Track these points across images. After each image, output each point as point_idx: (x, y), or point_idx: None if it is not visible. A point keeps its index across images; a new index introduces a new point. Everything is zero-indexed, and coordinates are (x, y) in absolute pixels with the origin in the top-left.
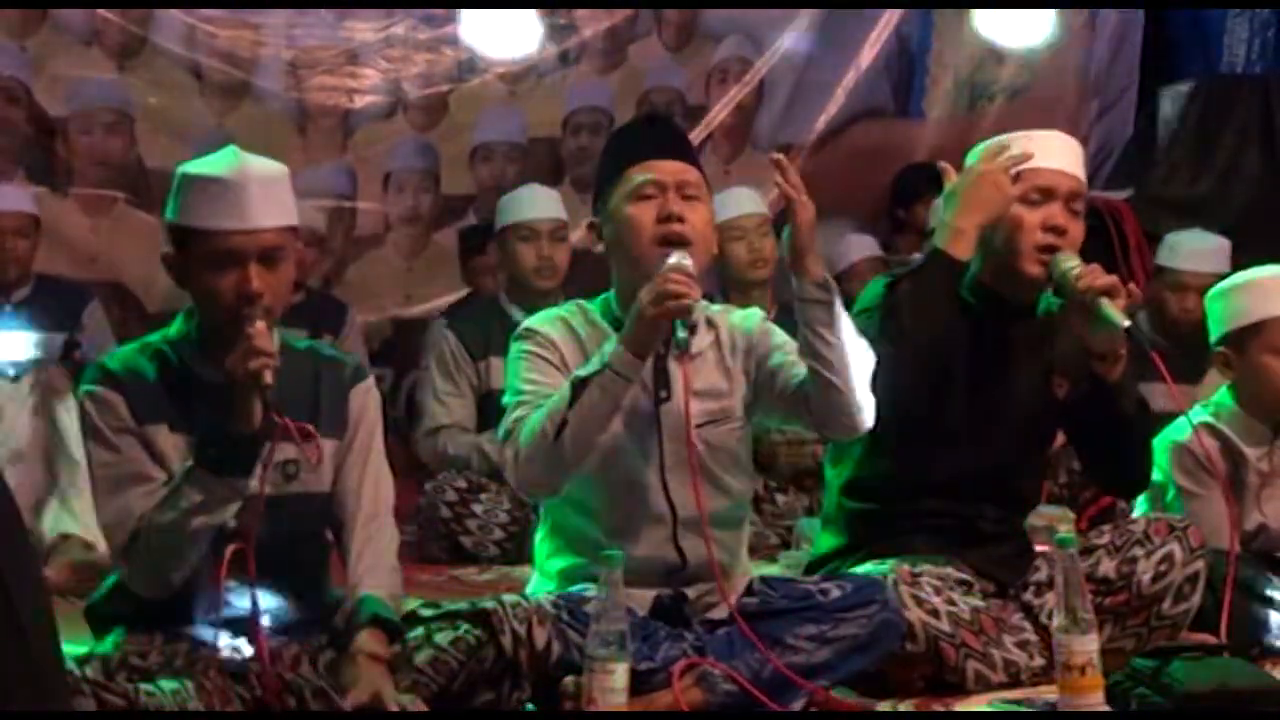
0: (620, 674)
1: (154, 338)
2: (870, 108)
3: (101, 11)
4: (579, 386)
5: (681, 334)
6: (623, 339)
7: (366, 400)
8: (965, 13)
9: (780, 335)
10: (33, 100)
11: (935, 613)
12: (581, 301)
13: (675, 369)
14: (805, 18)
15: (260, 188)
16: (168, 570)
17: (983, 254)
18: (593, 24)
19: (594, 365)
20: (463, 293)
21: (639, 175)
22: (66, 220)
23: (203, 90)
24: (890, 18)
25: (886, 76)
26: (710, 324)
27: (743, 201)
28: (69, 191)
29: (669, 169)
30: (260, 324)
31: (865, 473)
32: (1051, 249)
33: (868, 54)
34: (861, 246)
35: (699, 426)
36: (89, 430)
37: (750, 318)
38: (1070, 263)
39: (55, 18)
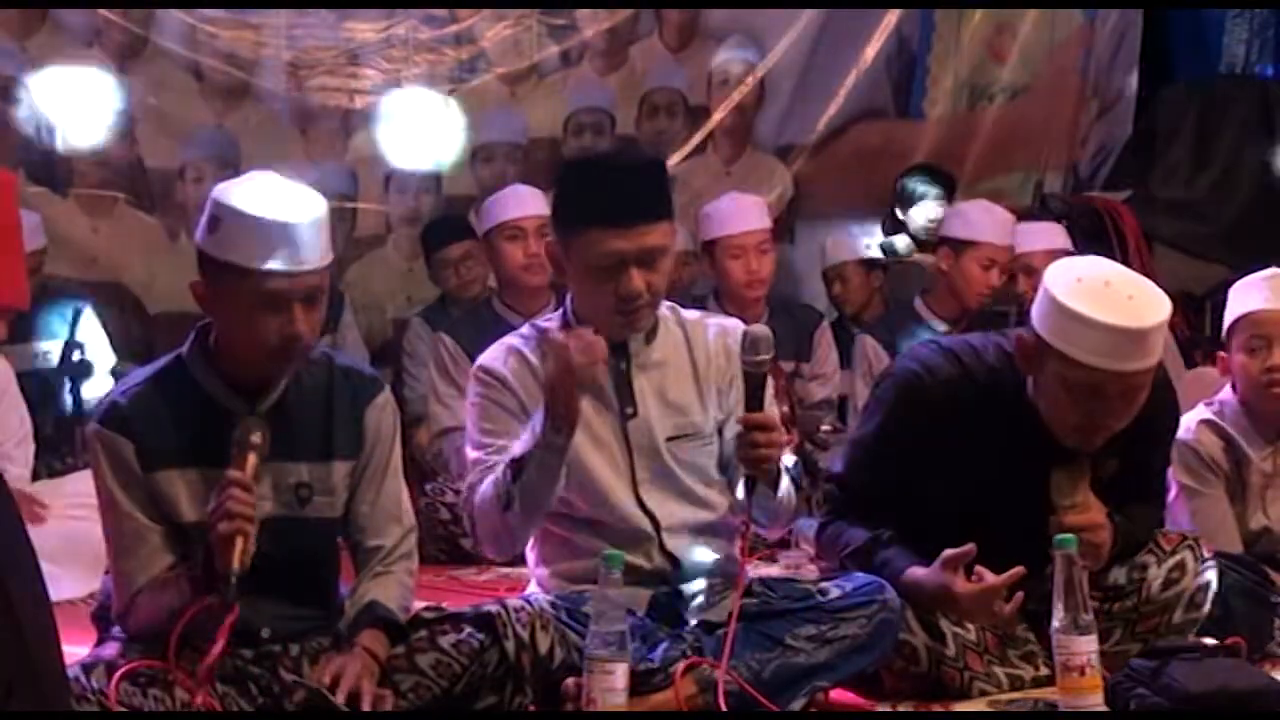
0: (620, 674)
1: (166, 360)
2: (870, 108)
3: (102, 12)
4: (517, 464)
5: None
6: (545, 415)
7: (383, 416)
8: (965, 13)
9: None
10: (33, 100)
11: (941, 638)
12: (537, 322)
13: (641, 381)
14: (806, 18)
15: (309, 230)
16: (159, 628)
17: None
18: (593, 24)
19: (527, 443)
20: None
21: (600, 244)
22: (66, 220)
23: (203, 91)
24: (890, 18)
25: (886, 76)
26: (684, 331)
27: (747, 215)
28: (69, 192)
29: (633, 238)
30: (240, 474)
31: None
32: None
33: (868, 54)
34: (852, 249)
35: (668, 440)
36: (96, 470)
37: (733, 344)
38: (1067, 500)
39: (56, 18)
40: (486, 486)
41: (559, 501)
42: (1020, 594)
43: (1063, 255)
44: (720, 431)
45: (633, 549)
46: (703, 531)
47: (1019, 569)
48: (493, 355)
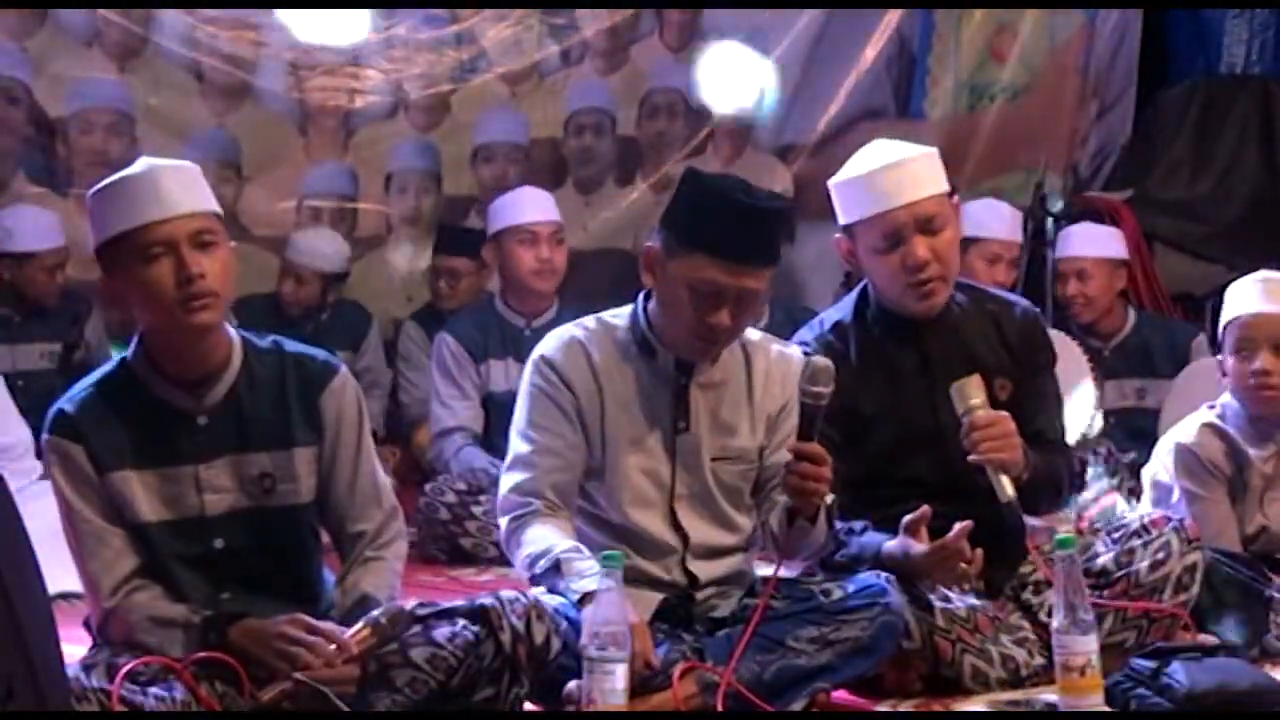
0: (620, 674)
1: (111, 365)
2: (870, 108)
3: (102, 12)
4: (545, 579)
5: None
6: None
7: (342, 401)
8: (965, 13)
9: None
10: (33, 100)
11: (930, 609)
12: (604, 316)
13: (698, 398)
14: (806, 18)
15: (172, 176)
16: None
17: (876, 291)
18: (594, 24)
19: (566, 587)
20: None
21: (705, 271)
22: (67, 221)
23: (204, 91)
24: (890, 18)
25: (887, 77)
26: (745, 352)
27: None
28: (69, 192)
29: (738, 277)
30: (352, 639)
31: (848, 474)
32: (924, 283)
33: (868, 54)
34: None
35: (714, 460)
36: (53, 480)
37: (791, 374)
38: (973, 400)
39: (56, 18)
40: (522, 551)
41: (591, 502)
42: (979, 551)
43: (1118, 264)
44: (761, 456)
45: (654, 558)
46: (726, 553)
47: (967, 523)
48: (555, 347)
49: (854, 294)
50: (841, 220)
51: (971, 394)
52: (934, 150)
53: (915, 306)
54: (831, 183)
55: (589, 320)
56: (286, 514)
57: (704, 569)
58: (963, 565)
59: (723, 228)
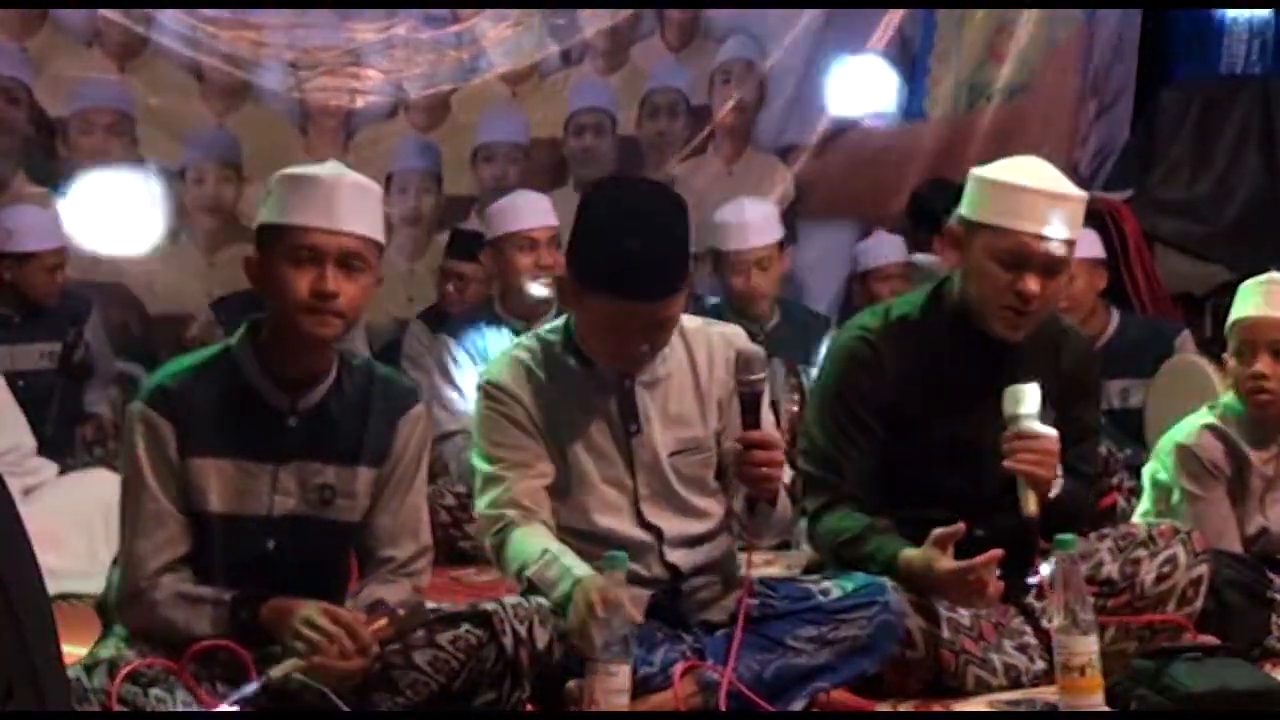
0: (623, 675)
1: (214, 350)
2: (870, 108)
3: (102, 12)
4: (530, 582)
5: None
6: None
7: (414, 429)
8: (966, 12)
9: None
10: (33, 100)
11: (935, 619)
12: (540, 332)
13: (644, 397)
14: (807, 18)
15: (351, 192)
16: (167, 636)
17: (963, 294)
18: (595, 24)
19: (549, 590)
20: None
21: (611, 307)
22: (67, 221)
23: (204, 91)
24: (891, 18)
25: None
26: (685, 342)
27: (755, 229)
28: (69, 192)
29: (651, 311)
30: (368, 629)
31: (878, 467)
32: (1020, 313)
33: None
34: (892, 249)
35: (671, 455)
36: (130, 448)
37: (730, 355)
38: (1026, 408)
39: (56, 18)
40: (507, 570)
41: (561, 514)
42: (1002, 584)
43: (1096, 264)
44: (719, 441)
45: (633, 558)
46: (702, 540)
47: (997, 551)
48: (498, 369)
49: (925, 291)
50: (972, 214)
51: (1026, 402)
52: (1085, 196)
53: (998, 329)
54: (982, 173)
55: (526, 339)
56: (337, 529)
57: (683, 558)
58: (983, 586)
59: (619, 270)
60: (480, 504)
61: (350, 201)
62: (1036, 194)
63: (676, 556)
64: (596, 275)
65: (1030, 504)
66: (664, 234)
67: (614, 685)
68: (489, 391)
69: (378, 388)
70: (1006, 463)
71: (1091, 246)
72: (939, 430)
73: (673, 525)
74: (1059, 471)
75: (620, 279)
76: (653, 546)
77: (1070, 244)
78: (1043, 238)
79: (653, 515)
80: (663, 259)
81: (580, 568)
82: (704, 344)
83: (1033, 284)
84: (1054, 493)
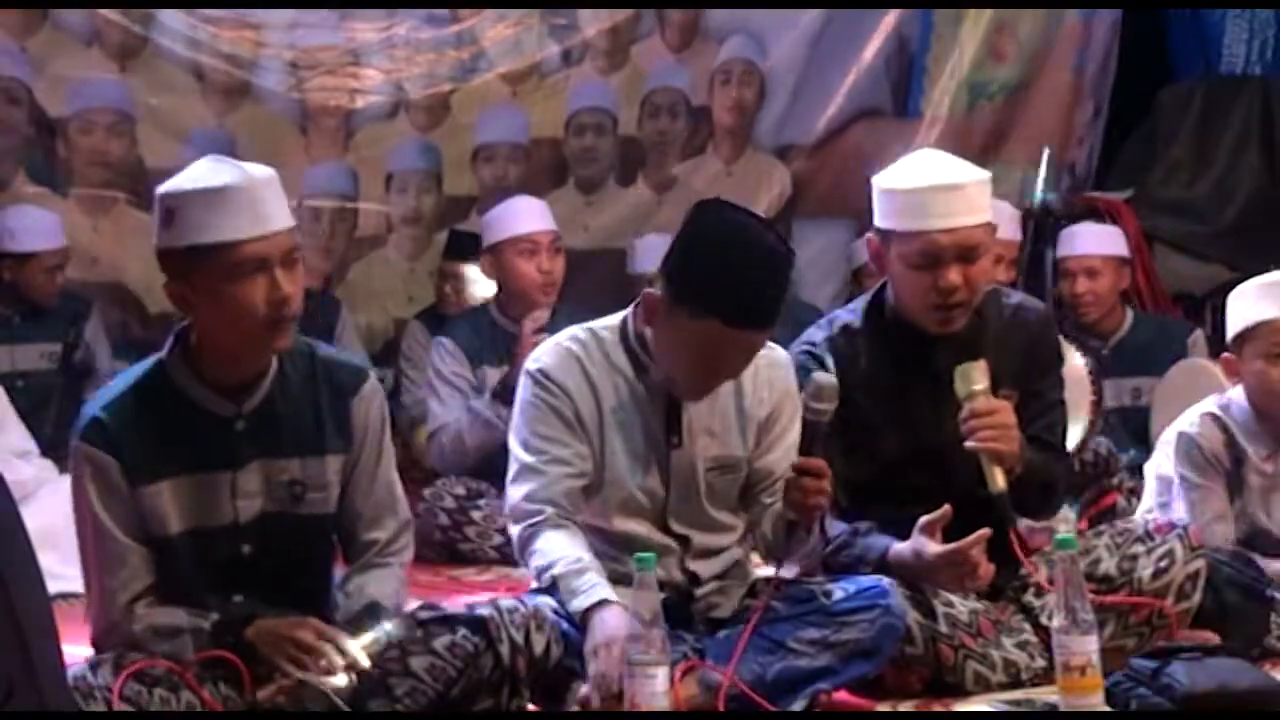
0: (662, 677)
1: (146, 366)
2: (870, 108)
3: (102, 12)
4: (550, 592)
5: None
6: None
7: (370, 407)
8: (964, 13)
9: (791, 438)
10: (33, 101)
11: (932, 614)
12: (594, 327)
13: (689, 411)
14: (806, 18)
15: (266, 190)
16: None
17: (895, 300)
18: (595, 24)
19: (568, 597)
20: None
21: (723, 337)
22: (67, 221)
23: (204, 91)
24: (890, 18)
25: (886, 76)
26: None
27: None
28: (69, 192)
29: (752, 341)
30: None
31: (852, 477)
32: (949, 307)
33: (867, 54)
34: None
35: (707, 471)
36: (78, 487)
37: (778, 378)
38: (976, 385)
39: (56, 18)
40: (533, 561)
41: (590, 513)
42: (991, 566)
43: (1122, 262)
44: (750, 462)
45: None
46: (722, 551)
47: (985, 530)
48: (549, 358)
49: (865, 297)
50: (880, 223)
51: (975, 378)
52: (987, 176)
53: (933, 327)
54: (878, 183)
55: (579, 330)
56: (311, 523)
57: (704, 567)
58: (971, 567)
59: (741, 300)
60: (515, 493)
61: (270, 199)
62: (932, 190)
63: (698, 565)
64: (711, 300)
65: (998, 479)
66: (782, 269)
67: (654, 688)
68: (538, 379)
69: (322, 372)
70: (967, 443)
71: (1117, 245)
72: (902, 436)
73: (698, 537)
74: (1021, 444)
75: (737, 308)
76: (675, 552)
77: (985, 225)
78: (949, 230)
79: (679, 526)
80: (778, 294)
81: (605, 588)
82: (753, 367)
83: (954, 276)
84: (1019, 468)
